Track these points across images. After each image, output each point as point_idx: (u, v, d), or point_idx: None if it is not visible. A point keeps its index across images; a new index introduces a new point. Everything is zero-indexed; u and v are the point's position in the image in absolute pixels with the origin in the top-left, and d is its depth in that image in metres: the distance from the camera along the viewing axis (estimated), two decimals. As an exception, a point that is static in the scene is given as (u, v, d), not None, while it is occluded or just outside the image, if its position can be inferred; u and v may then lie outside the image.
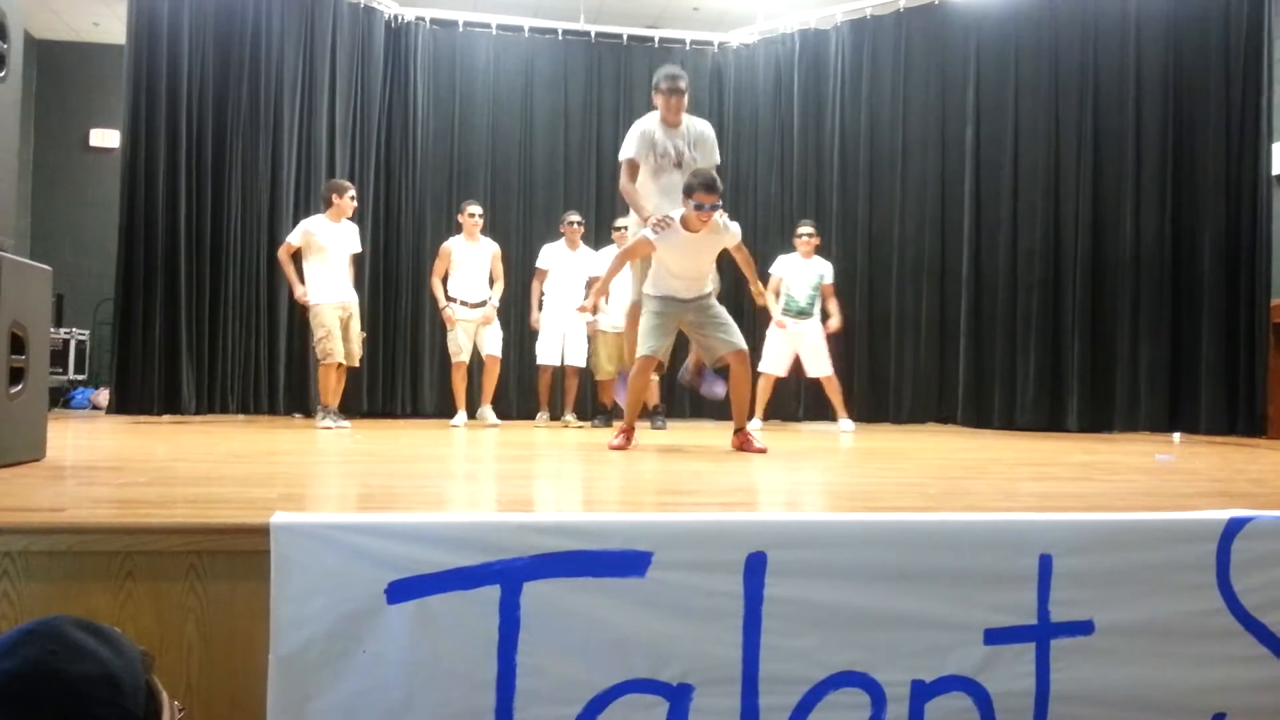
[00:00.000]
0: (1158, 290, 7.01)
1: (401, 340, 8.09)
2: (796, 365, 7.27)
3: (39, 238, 9.64)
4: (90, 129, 10.05)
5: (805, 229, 7.32)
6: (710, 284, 4.75)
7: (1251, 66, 6.73)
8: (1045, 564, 2.01)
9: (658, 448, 4.90)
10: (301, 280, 6.52)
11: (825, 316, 7.25)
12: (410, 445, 4.95)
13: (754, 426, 6.00)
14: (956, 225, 7.79)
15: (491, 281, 7.17)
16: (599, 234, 7.86)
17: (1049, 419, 7.22)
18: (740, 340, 4.60)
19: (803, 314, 7.19)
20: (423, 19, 8.32)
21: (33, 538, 1.81)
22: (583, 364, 7.37)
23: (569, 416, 7.42)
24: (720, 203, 4.43)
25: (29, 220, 9.67)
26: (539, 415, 7.43)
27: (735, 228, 4.61)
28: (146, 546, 1.83)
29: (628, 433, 4.68)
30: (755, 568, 1.90)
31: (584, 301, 7.30)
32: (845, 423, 7.13)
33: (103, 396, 8.05)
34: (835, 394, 7.17)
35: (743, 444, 4.58)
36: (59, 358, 8.73)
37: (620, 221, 6.99)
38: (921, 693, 1.94)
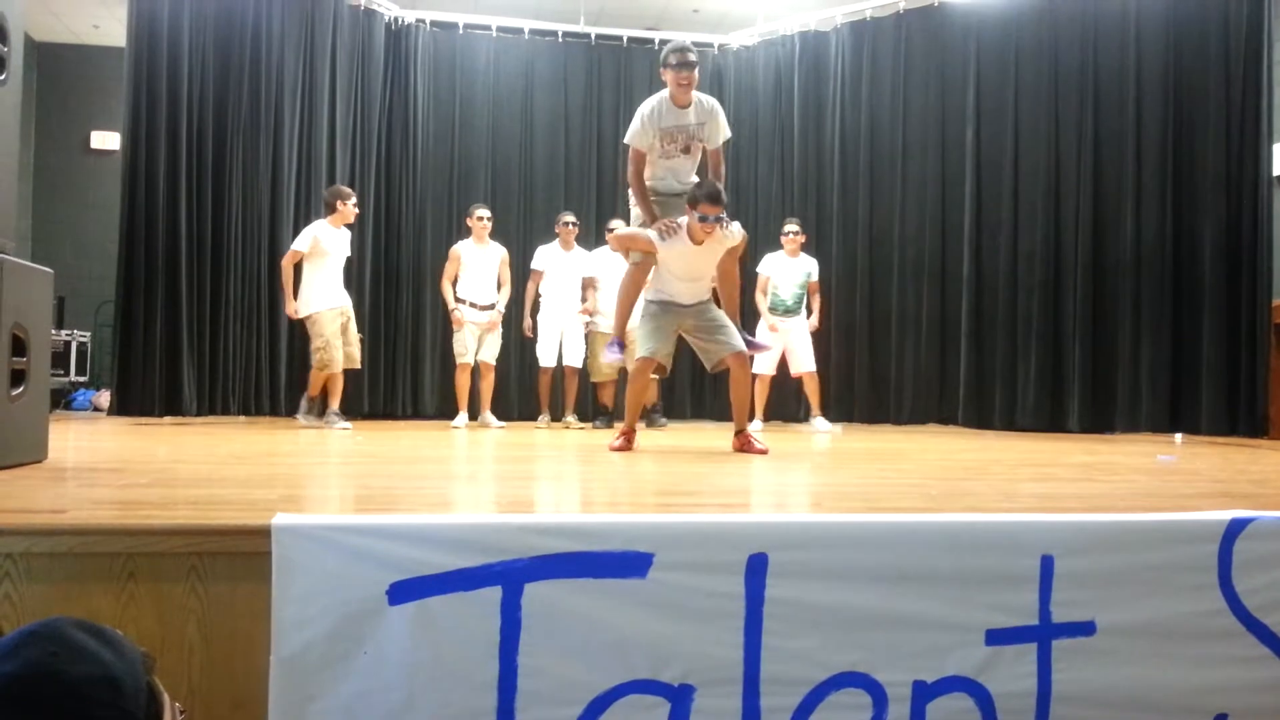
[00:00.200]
0: (1159, 291, 7.01)
1: (402, 342, 8.10)
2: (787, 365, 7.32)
3: (40, 240, 9.65)
4: (91, 131, 10.06)
5: (791, 227, 7.35)
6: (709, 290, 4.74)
7: (1251, 67, 6.74)
8: (1047, 565, 2.01)
9: (658, 449, 4.90)
10: (297, 287, 6.54)
11: (810, 313, 7.32)
12: (411, 447, 4.95)
13: (755, 428, 6.00)
14: (957, 226, 7.79)
15: (499, 286, 7.19)
16: (599, 235, 7.87)
17: (1050, 420, 7.23)
18: (739, 343, 4.59)
19: (789, 312, 7.26)
20: (423, 21, 8.33)
21: (34, 539, 1.81)
22: (580, 364, 7.38)
23: (570, 418, 7.42)
24: (724, 214, 4.42)
25: (30, 223, 9.67)
26: (540, 418, 7.44)
27: (736, 227, 4.60)
28: (148, 548, 1.83)
29: (628, 434, 4.67)
30: (756, 569, 1.90)
31: (585, 304, 7.33)
32: (820, 422, 7.19)
33: (104, 398, 8.06)
34: (814, 393, 7.28)
35: (744, 445, 4.57)
36: (60, 360, 8.75)
37: (614, 223, 7.01)
38: (923, 693, 1.94)
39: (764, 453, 4.48)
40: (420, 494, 2.85)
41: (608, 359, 4.79)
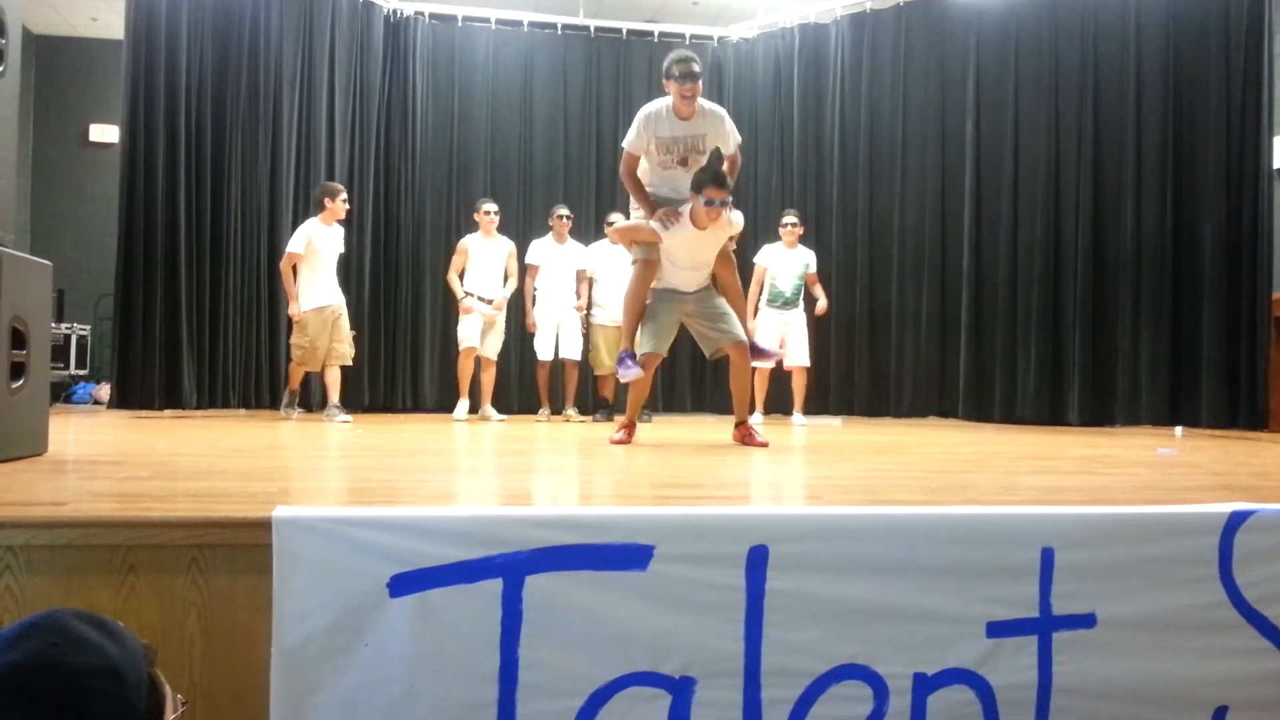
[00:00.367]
0: (1159, 284, 7.00)
1: (402, 334, 8.09)
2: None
3: (39, 233, 9.63)
4: (89, 124, 10.05)
5: (789, 218, 7.33)
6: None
7: (1252, 60, 6.72)
8: (1047, 557, 2.01)
9: (659, 442, 4.90)
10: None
11: (813, 302, 7.29)
12: (411, 439, 4.95)
13: (755, 420, 6.00)
14: (957, 219, 7.78)
15: (505, 278, 7.20)
16: (598, 229, 7.86)
17: (1050, 412, 7.23)
18: (740, 332, 4.58)
19: (788, 304, 7.25)
20: (421, 13, 8.31)
21: (34, 532, 1.81)
22: (579, 357, 7.37)
23: (570, 411, 7.42)
24: (730, 199, 4.37)
25: (29, 216, 9.66)
26: (541, 411, 7.44)
27: (738, 216, 4.59)
28: (148, 540, 1.83)
29: (629, 427, 4.66)
30: (757, 561, 1.90)
31: (580, 301, 7.32)
32: (798, 417, 7.19)
33: (104, 391, 8.06)
34: (801, 388, 7.29)
35: (744, 437, 4.57)
36: (60, 353, 8.74)
37: (613, 216, 6.99)
38: (924, 685, 1.94)
39: (764, 445, 4.47)
40: (421, 486, 2.85)
41: (625, 377, 4.56)
